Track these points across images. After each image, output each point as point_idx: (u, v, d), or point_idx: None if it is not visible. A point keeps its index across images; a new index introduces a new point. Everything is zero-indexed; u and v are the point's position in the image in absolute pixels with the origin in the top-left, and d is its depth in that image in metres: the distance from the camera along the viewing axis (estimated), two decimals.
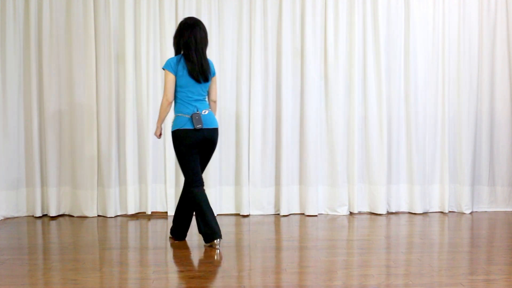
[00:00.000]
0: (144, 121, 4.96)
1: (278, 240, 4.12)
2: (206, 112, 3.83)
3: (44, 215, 4.97)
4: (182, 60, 3.78)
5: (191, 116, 3.75)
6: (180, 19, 4.89)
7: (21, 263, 3.45)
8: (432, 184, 5.11)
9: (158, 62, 4.99)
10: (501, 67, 5.10)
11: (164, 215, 5.03)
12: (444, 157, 5.07)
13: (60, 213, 4.99)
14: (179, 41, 3.82)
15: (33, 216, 4.95)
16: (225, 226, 4.59)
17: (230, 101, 5.03)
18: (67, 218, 4.93)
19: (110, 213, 4.94)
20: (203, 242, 4.01)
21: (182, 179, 4.96)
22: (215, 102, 4.01)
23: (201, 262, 3.50)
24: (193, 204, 3.85)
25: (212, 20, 4.94)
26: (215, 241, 3.78)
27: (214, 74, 3.93)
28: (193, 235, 4.31)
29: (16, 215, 4.94)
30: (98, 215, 4.99)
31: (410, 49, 5.05)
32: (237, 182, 5.06)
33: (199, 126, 3.74)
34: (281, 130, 4.98)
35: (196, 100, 3.82)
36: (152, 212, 5.03)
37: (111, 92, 4.92)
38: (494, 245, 3.92)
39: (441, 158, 5.09)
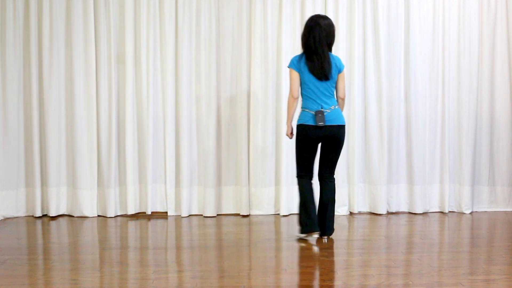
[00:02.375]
0: (144, 121, 4.96)
1: (278, 240, 4.12)
2: (332, 109, 3.90)
3: (44, 215, 4.98)
4: (304, 58, 3.92)
5: (315, 113, 3.86)
6: (180, 19, 4.91)
7: (21, 263, 3.45)
8: (432, 184, 5.11)
9: (158, 62, 4.99)
10: (501, 67, 5.10)
11: (164, 215, 5.03)
12: (444, 157, 5.07)
13: (60, 213, 4.99)
14: (303, 39, 3.95)
15: (33, 216, 4.95)
16: (225, 226, 4.59)
17: (230, 100, 5.03)
18: (67, 218, 4.93)
19: (110, 213, 4.94)
20: (203, 242, 4.02)
21: (182, 179, 4.97)
22: (342, 99, 4.03)
23: (201, 262, 3.50)
24: (299, 194, 4.03)
25: (212, 20, 4.94)
26: (313, 234, 3.95)
27: (340, 70, 3.96)
28: (193, 235, 4.31)
29: (16, 215, 4.94)
30: (98, 215, 4.99)
31: (410, 49, 5.04)
32: (237, 182, 5.06)
33: (321, 124, 3.84)
34: (281, 130, 4.97)
35: (323, 96, 3.91)
36: (152, 212, 5.03)
37: (111, 92, 4.93)
38: (494, 245, 3.92)
39: (441, 158, 5.09)
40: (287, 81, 4.95)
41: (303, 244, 3.93)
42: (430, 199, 5.11)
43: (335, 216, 4.92)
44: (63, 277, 3.17)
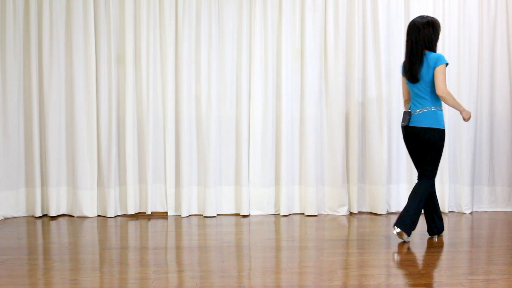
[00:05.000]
0: (144, 121, 4.97)
1: (278, 240, 4.12)
2: (420, 112, 3.94)
3: (44, 215, 4.98)
4: (403, 62, 4.07)
5: (404, 113, 4.04)
6: (180, 19, 4.91)
7: (21, 263, 3.45)
8: None
9: (158, 62, 4.99)
10: (501, 67, 5.10)
11: (164, 215, 5.03)
12: (444, 157, 5.07)
13: (60, 213, 5.00)
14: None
15: (33, 216, 4.95)
16: (225, 226, 4.59)
17: (230, 100, 5.03)
18: (67, 218, 4.94)
19: (110, 213, 4.95)
20: (203, 242, 4.02)
21: (182, 179, 4.97)
22: (440, 96, 3.92)
23: (201, 262, 3.50)
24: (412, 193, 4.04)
25: (212, 20, 4.94)
26: (401, 232, 3.94)
27: (434, 67, 3.88)
28: (193, 235, 4.31)
29: (16, 215, 4.94)
30: (98, 215, 5.00)
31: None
32: (237, 182, 5.06)
33: (403, 124, 4.02)
34: (281, 130, 4.98)
35: (416, 98, 3.98)
36: (152, 212, 5.03)
37: (111, 92, 4.93)
38: (494, 245, 3.92)
39: (441, 158, 5.08)
40: (287, 81, 4.97)
41: (303, 244, 3.93)
42: None
43: (335, 216, 4.95)
44: (63, 277, 3.17)
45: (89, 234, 4.35)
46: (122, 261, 3.53)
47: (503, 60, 5.10)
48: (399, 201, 5.11)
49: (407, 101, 4.13)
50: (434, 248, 3.85)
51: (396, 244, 3.93)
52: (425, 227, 4.51)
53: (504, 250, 3.74)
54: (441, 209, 5.12)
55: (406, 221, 3.91)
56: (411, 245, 3.89)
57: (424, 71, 3.89)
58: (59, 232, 4.48)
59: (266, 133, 5.01)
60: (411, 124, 3.96)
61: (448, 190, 5.07)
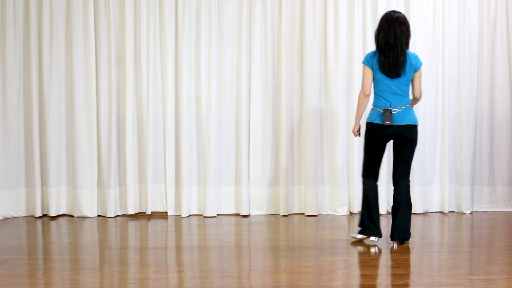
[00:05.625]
0: (144, 121, 4.96)
1: (278, 240, 4.12)
2: (403, 108, 3.80)
3: (44, 215, 4.98)
4: (377, 55, 3.79)
5: (382, 111, 3.77)
6: (180, 19, 4.91)
7: (21, 263, 3.45)
8: (432, 184, 5.11)
9: (158, 62, 4.99)
10: (501, 67, 5.10)
11: (164, 215, 5.03)
12: (444, 157, 5.07)
13: (60, 213, 4.99)
14: (378, 36, 3.82)
15: (33, 216, 4.95)
16: (225, 226, 4.59)
17: (230, 100, 5.03)
18: (67, 218, 4.93)
19: (110, 213, 4.94)
20: (203, 242, 4.02)
21: (182, 179, 4.97)
22: (418, 99, 3.94)
23: (201, 262, 3.50)
24: (362, 194, 3.92)
25: (212, 20, 4.94)
26: (371, 237, 3.88)
27: (416, 69, 3.85)
28: (193, 235, 4.31)
29: (16, 215, 4.94)
30: (98, 215, 4.99)
31: (410, 49, 5.02)
32: (237, 182, 5.06)
33: (387, 123, 3.74)
34: (280, 130, 4.98)
35: (393, 95, 3.78)
36: (152, 212, 5.03)
37: (111, 92, 4.93)
38: (494, 245, 3.92)
39: (441, 158, 5.09)
40: (287, 81, 4.96)
41: (303, 244, 3.93)
42: (430, 199, 5.11)
43: (335, 216, 4.95)
44: (63, 277, 3.17)
45: (89, 234, 4.35)
46: (122, 261, 3.53)
47: (503, 60, 5.10)
48: None
49: (369, 96, 3.86)
50: (434, 248, 3.85)
51: (396, 244, 3.93)
52: (425, 227, 4.52)
53: (504, 250, 3.74)
54: (441, 209, 5.12)
55: (403, 230, 3.84)
56: (411, 246, 3.88)
57: (407, 68, 3.80)
58: (59, 232, 4.48)
59: (266, 133, 5.01)
60: (395, 123, 3.75)
61: (448, 190, 5.07)
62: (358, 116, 3.92)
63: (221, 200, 5.06)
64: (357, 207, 5.05)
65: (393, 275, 3.18)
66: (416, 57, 3.87)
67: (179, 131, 4.97)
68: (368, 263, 3.44)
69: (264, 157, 5.01)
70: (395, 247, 3.80)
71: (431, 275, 3.16)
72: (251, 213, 5.04)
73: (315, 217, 4.92)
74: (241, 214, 5.01)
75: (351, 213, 5.06)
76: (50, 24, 4.87)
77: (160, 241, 4.09)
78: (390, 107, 3.77)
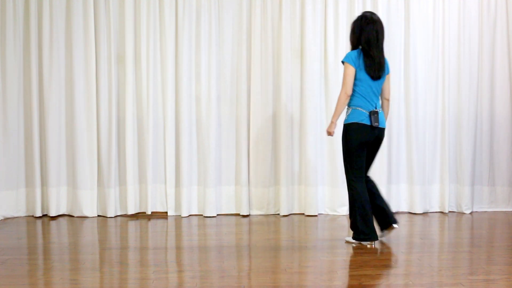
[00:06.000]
0: (144, 121, 4.96)
1: (278, 240, 4.11)
2: (380, 111, 3.83)
3: (44, 215, 4.98)
4: (362, 55, 3.75)
5: (370, 113, 3.74)
6: (180, 19, 4.91)
7: (21, 263, 3.45)
8: (432, 184, 5.11)
9: (158, 62, 4.99)
10: (501, 67, 5.10)
11: (164, 215, 5.03)
12: (444, 157, 5.07)
13: (60, 213, 5.00)
14: (360, 36, 3.78)
15: (33, 216, 4.95)
16: (225, 226, 4.59)
17: (230, 100, 5.03)
18: (67, 218, 4.93)
19: (110, 213, 4.95)
20: (203, 242, 4.02)
21: (182, 179, 4.97)
22: (388, 100, 3.96)
23: (201, 262, 3.50)
24: (354, 199, 3.85)
25: (212, 20, 4.94)
26: (372, 243, 3.87)
27: (388, 71, 3.89)
28: (193, 235, 4.31)
29: (16, 215, 4.94)
30: (98, 215, 5.00)
31: (410, 49, 5.05)
32: (237, 182, 5.06)
33: (376, 124, 3.74)
34: (280, 130, 4.98)
35: (374, 96, 3.80)
36: (152, 212, 5.03)
37: (111, 92, 4.93)
38: (494, 245, 3.92)
39: (441, 158, 5.09)
40: (287, 81, 4.96)
41: (303, 244, 3.93)
42: (430, 199, 5.11)
43: (335, 216, 4.96)
44: (63, 277, 3.17)
45: (89, 234, 4.35)
46: (122, 261, 3.53)
47: (503, 60, 5.10)
48: (399, 201, 5.11)
49: (349, 96, 3.79)
50: (434, 248, 3.85)
51: (396, 244, 3.93)
52: (425, 227, 4.52)
53: (504, 250, 3.74)
54: (441, 209, 5.12)
55: (392, 214, 3.95)
56: (411, 246, 3.89)
57: (386, 71, 3.84)
58: (59, 232, 4.48)
59: (266, 132, 5.01)
60: (380, 125, 3.78)
61: (448, 190, 5.07)
62: (337, 116, 3.84)
63: (221, 200, 5.06)
64: None
65: (393, 275, 3.18)
66: (387, 60, 3.90)
67: (179, 131, 4.97)
68: (368, 263, 3.44)
69: (264, 157, 5.01)
70: (387, 235, 3.96)
71: (431, 275, 3.16)
72: (251, 213, 5.04)
73: (315, 217, 4.92)
74: (241, 214, 5.01)
75: None
76: (50, 24, 4.87)
77: (160, 241, 4.09)
78: (376, 108, 3.79)
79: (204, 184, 4.99)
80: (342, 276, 3.19)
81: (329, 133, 3.94)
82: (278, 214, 5.03)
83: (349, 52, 3.81)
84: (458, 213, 5.07)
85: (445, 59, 5.05)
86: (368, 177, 3.99)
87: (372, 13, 3.83)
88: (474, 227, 4.59)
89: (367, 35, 3.74)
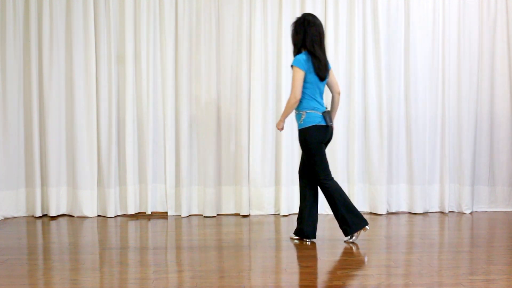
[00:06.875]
0: (144, 121, 4.96)
1: (278, 240, 4.12)
2: (328, 110, 3.94)
3: (44, 215, 4.98)
4: (310, 58, 3.81)
5: (323, 113, 3.85)
6: (180, 19, 4.91)
7: (21, 263, 3.45)
8: (432, 184, 5.11)
9: (158, 62, 4.99)
10: (501, 67, 5.10)
11: (164, 215, 5.03)
12: (444, 157, 5.07)
13: (60, 213, 5.00)
14: (304, 38, 3.83)
15: (33, 216, 4.95)
16: (225, 226, 4.59)
17: (230, 100, 5.03)
18: (67, 218, 4.94)
19: (110, 213, 4.95)
20: (203, 242, 4.02)
21: (182, 179, 4.97)
22: (339, 93, 4.06)
23: (201, 262, 3.50)
24: (336, 196, 3.90)
25: (212, 20, 4.94)
26: (366, 227, 3.90)
27: (330, 67, 3.97)
28: (193, 235, 4.31)
29: (16, 215, 4.94)
30: (98, 215, 5.00)
31: (410, 49, 5.05)
32: (237, 182, 5.06)
33: (331, 124, 3.88)
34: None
35: (318, 96, 3.90)
36: (152, 212, 5.03)
37: (111, 92, 4.93)
38: (494, 245, 3.92)
39: (441, 158, 5.09)
40: (287, 81, 4.96)
41: (303, 244, 3.93)
42: (430, 199, 5.11)
43: (334, 216, 4.96)
44: (63, 277, 3.17)
45: (89, 234, 4.35)
46: (122, 261, 3.53)
47: (503, 60, 5.10)
48: (399, 201, 5.11)
49: (299, 100, 3.83)
50: (434, 248, 3.85)
51: (396, 244, 3.93)
52: (425, 227, 4.52)
53: (504, 250, 3.74)
54: (441, 209, 5.12)
55: (356, 217, 3.93)
56: (411, 246, 3.89)
57: (329, 71, 3.95)
58: (59, 232, 4.48)
59: (266, 132, 5.01)
60: (330, 124, 3.91)
61: (448, 190, 5.07)
62: (285, 116, 3.94)
63: (221, 200, 5.06)
64: (357, 207, 5.03)
65: (393, 275, 3.18)
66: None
67: (179, 131, 4.97)
68: (368, 263, 3.44)
69: (264, 157, 5.01)
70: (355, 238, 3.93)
71: (431, 275, 3.16)
72: (251, 213, 5.04)
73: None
74: (241, 214, 5.01)
75: None
76: (50, 24, 4.87)
77: (160, 241, 4.09)
78: (327, 108, 3.92)
79: (204, 184, 4.99)
80: (342, 276, 3.19)
81: (279, 129, 4.04)
82: (278, 214, 5.03)
83: (297, 56, 3.85)
84: (458, 213, 5.07)
85: (445, 59, 5.05)
86: (332, 178, 4.03)
87: (313, 15, 3.92)
88: (474, 227, 4.59)
89: (311, 37, 3.82)
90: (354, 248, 3.83)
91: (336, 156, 5.01)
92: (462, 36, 5.05)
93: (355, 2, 4.98)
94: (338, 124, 5.00)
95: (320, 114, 3.85)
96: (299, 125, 3.91)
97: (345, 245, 3.92)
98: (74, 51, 4.89)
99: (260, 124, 4.99)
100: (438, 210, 5.13)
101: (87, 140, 4.94)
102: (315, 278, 3.14)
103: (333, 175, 5.06)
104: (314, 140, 3.85)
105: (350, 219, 3.89)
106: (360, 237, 4.21)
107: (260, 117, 4.99)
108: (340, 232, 4.33)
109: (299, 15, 4.95)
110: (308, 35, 3.83)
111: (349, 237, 3.94)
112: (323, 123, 3.85)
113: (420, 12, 5.04)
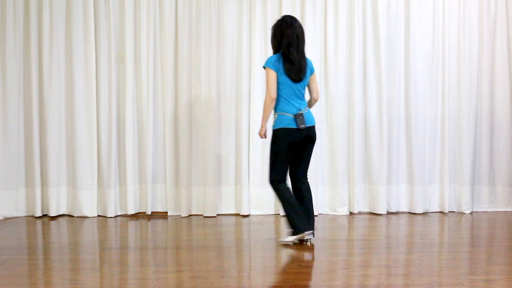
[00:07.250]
0: (144, 121, 4.97)
1: (278, 240, 4.11)
2: (306, 111, 3.89)
3: (44, 215, 4.98)
4: (282, 58, 3.81)
5: (295, 116, 3.81)
6: (180, 19, 4.91)
7: (21, 263, 3.45)
8: (432, 184, 5.11)
9: (158, 62, 4.99)
10: (501, 67, 5.10)
11: (164, 215, 5.03)
12: (444, 157, 5.07)
13: (60, 213, 5.00)
14: (280, 41, 3.84)
15: (33, 216, 4.95)
16: (225, 226, 4.59)
17: (230, 101, 5.03)
18: (67, 218, 4.94)
19: (110, 213, 4.95)
20: (203, 242, 4.01)
21: (181, 179, 4.97)
22: (316, 101, 4.04)
23: (201, 262, 3.49)
24: (283, 198, 3.89)
25: (212, 20, 4.94)
26: (306, 235, 3.86)
27: (313, 71, 3.95)
28: (193, 235, 4.31)
29: (16, 215, 4.94)
30: (98, 215, 5.00)
31: (410, 49, 5.05)
32: (237, 182, 5.06)
33: (302, 126, 3.81)
34: None
35: (298, 98, 3.86)
36: (152, 212, 5.03)
37: (111, 92, 4.93)
38: (494, 245, 3.92)
39: (441, 158, 5.09)
40: None
41: (303, 244, 3.92)
42: (430, 199, 5.11)
43: (335, 216, 4.96)
44: (63, 277, 3.17)
45: (89, 234, 4.35)
46: (122, 261, 3.53)
47: (503, 60, 5.10)
48: (399, 201, 5.11)
49: (275, 100, 3.84)
50: (434, 248, 3.85)
51: (396, 244, 3.93)
52: (425, 227, 4.51)
53: (504, 250, 3.74)
54: (441, 209, 5.12)
55: (311, 220, 3.94)
56: (411, 246, 3.89)
57: (308, 72, 3.90)
58: (59, 232, 4.48)
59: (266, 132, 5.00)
60: (307, 125, 3.84)
61: (448, 190, 5.07)
62: (265, 120, 3.91)
63: (221, 200, 5.06)
64: (357, 207, 5.06)
65: (393, 275, 3.18)
66: (310, 61, 3.97)
67: (179, 131, 4.97)
68: (368, 263, 3.44)
69: (264, 157, 5.00)
70: (308, 243, 3.91)
71: (431, 275, 3.16)
72: (251, 213, 5.04)
73: (315, 217, 4.91)
74: (241, 214, 5.01)
75: (351, 213, 5.06)
76: (50, 24, 4.87)
77: (160, 241, 4.09)
78: (301, 110, 3.85)
79: (204, 184, 4.99)
80: (342, 276, 3.19)
81: (261, 136, 4.02)
82: (278, 214, 5.03)
83: (269, 57, 3.87)
84: (458, 213, 5.07)
85: (445, 59, 5.05)
86: (303, 179, 4.01)
87: (292, 17, 3.90)
88: (474, 227, 4.59)
89: (288, 39, 3.81)
90: (354, 248, 3.83)
91: (336, 156, 5.01)
92: (462, 37, 5.05)
93: (355, 2, 4.98)
94: (338, 124, 5.00)
95: (292, 116, 3.82)
96: (272, 126, 3.95)
97: (345, 245, 3.92)
98: (74, 51, 4.89)
99: (260, 124, 4.98)
100: (438, 210, 5.13)
101: (87, 140, 4.94)
102: (315, 278, 3.14)
103: (333, 175, 5.08)
104: (281, 142, 3.85)
105: (297, 221, 3.85)
106: (360, 237, 4.21)
107: (260, 117, 4.98)
108: (340, 232, 4.33)
109: (299, 15, 4.99)
110: (284, 38, 3.82)
111: (290, 237, 3.90)
112: (293, 125, 3.81)
113: (420, 12, 5.04)
